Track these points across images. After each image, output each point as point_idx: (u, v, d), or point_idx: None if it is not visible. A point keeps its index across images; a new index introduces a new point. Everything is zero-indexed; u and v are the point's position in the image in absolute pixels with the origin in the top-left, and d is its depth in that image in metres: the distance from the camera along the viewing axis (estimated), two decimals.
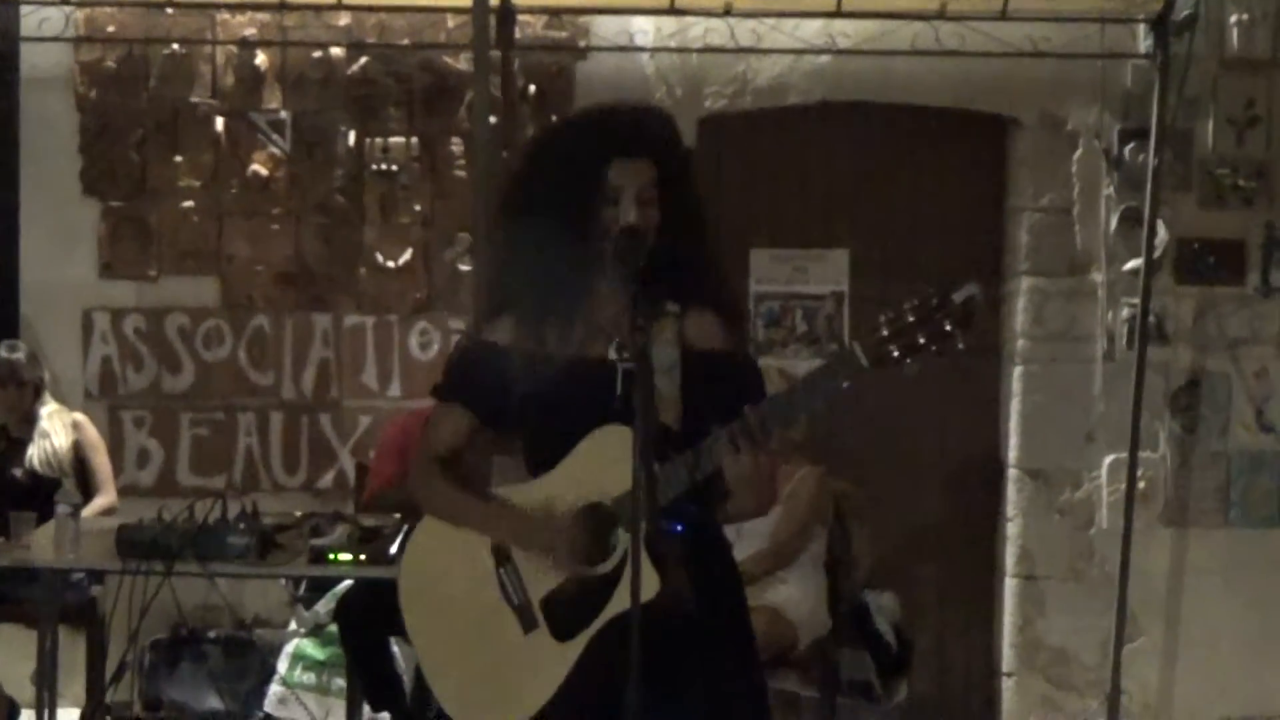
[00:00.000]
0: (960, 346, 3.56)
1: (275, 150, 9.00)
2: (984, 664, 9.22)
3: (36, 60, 8.92)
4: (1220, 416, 8.99)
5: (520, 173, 4.25)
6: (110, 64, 8.95)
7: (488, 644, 4.08)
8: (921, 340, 3.60)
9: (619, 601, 3.87)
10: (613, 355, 3.98)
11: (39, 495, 7.79)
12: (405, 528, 6.67)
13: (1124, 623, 8.65)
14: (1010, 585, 9.11)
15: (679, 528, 3.92)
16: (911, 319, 3.60)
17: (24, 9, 8.77)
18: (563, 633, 3.99)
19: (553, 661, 3.99)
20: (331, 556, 6.75)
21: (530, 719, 4.00)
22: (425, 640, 4.28)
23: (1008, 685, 9.12)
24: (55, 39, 8.81)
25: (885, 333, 3.61)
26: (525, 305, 4.09)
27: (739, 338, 4.13)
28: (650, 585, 3.76)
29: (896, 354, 3.61)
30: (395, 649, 7.58)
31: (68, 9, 8.75)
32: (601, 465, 3.92)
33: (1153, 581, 8.83)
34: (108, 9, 8.83)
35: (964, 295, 3.58)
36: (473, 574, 4.09)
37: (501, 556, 4.07)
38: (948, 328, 3.58)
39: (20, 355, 8.18)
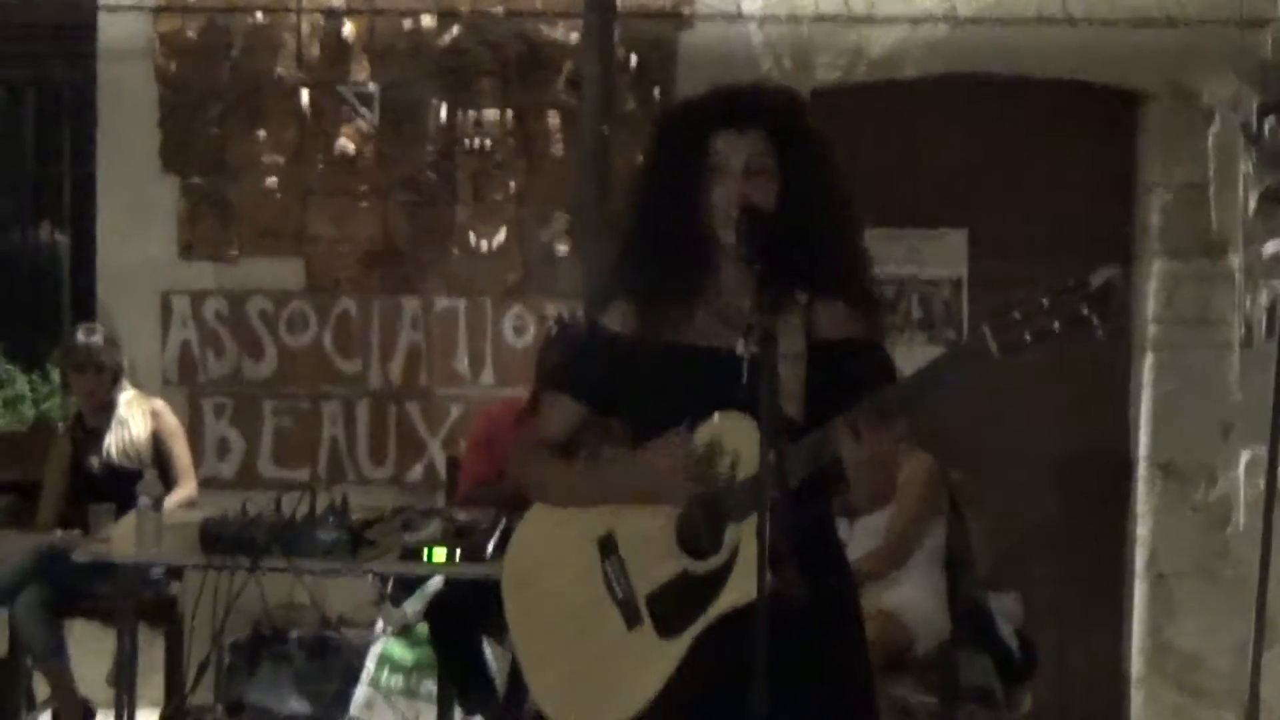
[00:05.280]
0: (1099, 334, 3.48)
1: (363, 124, 9.06)
2: (1111, 670, 9.20)
3: (114, 31, 9.02)
4: None
5: (646, 152, 4.27)
6: (191, 34, 9.02)
7: (589, 639, 4.11)
8: (1056, 326, 3.53)
9: (727, 598, 3.90)
10: (736, 343, 3.96)
11: (117, 487, 7.86)
12: (503, 524, 6.73)
13: (1263, 627, 8.55)
14: (1140, 587, 9.11)
15: (799, 522, 3.87)
16: (1045, 302, 3.53)
17: None
18: (668, 629, 3.99)
19: (657, 659, 4.00)
20: (426, 553, 6.81)
21: (631, 719, 4.02)
22: (524, 632, 4.31)
23: (1136, 693, 9.13)
24: (134, 8, 8.91)
25: (1017, 316, 3.55)
26: (640, 290, 4.10)
27: (873, 328, 4.09)
28: (762, 582, 3.70)
29: (1029, 339, 3.55)
30: (488, 650, 7.63)
31: None
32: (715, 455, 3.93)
33: None
34: None
35: (1103, 277, 3.49)
36: (576, 566, 4.12)
37: (607, 549, 4.10)
38: (1084, 312, 3.49)
39: (98, 339, 8.22)
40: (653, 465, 3.99)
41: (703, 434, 3.96)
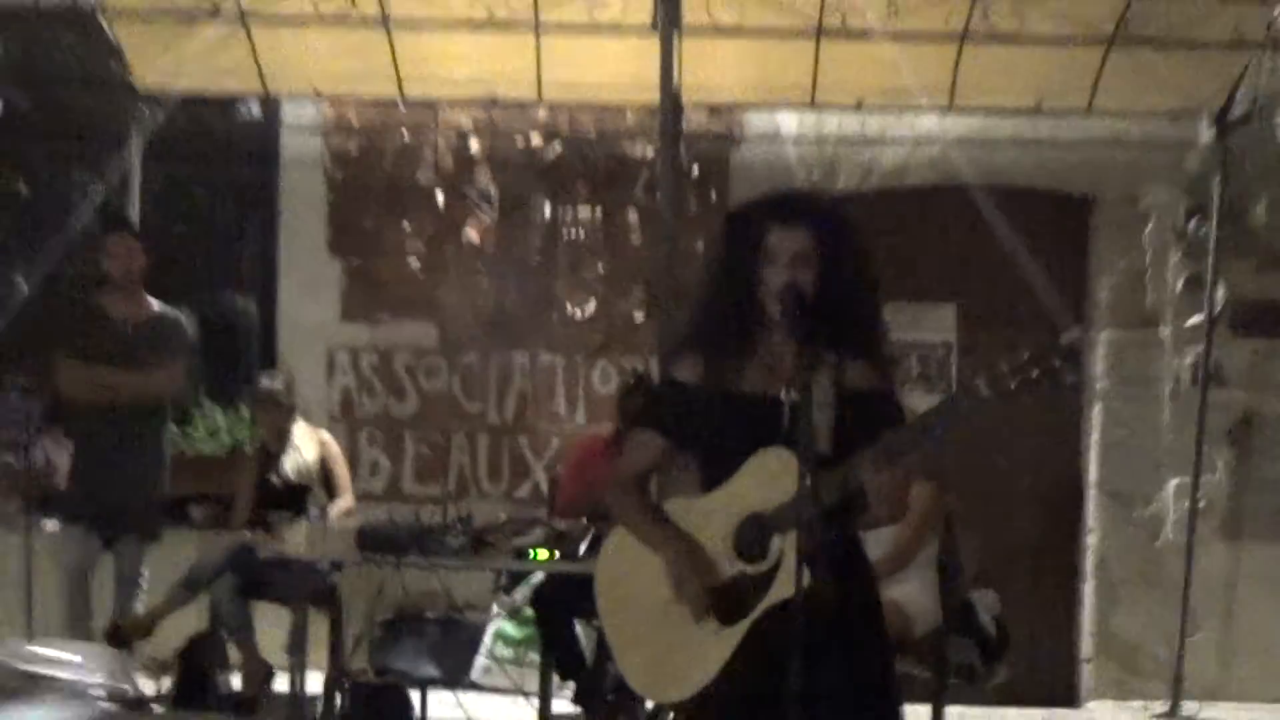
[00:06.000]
0: (1069, 381, 3.55)
1: (484, 219, 9.08)
2: (1068, 652, 9.12)
3: (294, 147, 9.10)
4: (1270, 447, 8.87)
5: (712, 241, 4.28)
6: (352, 150, 9.07)
7: (665, 629, 4.06)
8: (1035, 375, 3.58)
9: (775, 593, 3.87)
10: (780, 392, 3.94)
11: (292, 499, 7.91)
12: (591, 531, 6.72)
13: (1187, 619, 8.55)
14: (1090, 587, 9.05)
15: (830, 534, 3.88)
16: (1026, 356, 3.59)
17: (284, 105, 8.96)
18: (728, 619, 3.96)
19: (719, 645, 3.96)
20: (531, 554, 6.81)
21: (698, 692, 3.99)
22: (614, 624, 4.27)
23: (1087, 670, 9.07)
24: (309, 129, 9.00)
25: (1005, 369, 3.60)
26: (707, 349, 4.08)
27: (888, 381, 4.08)
28: (801, 581, 3.74)
29: (1014, 386, 3.59)
30: (579, 630, 7.60)
31: (319, 105, 8.92)
32: (763, 481, 3.91)
33: (1211, 585, 8.71)
34: (350, 104, 8.95)
35: (1071, 337, 3.64)
36: (655, 571, 4.08)
37: None
38: (1057, 364, 3.57)
39: (279, 384, 8.17)
40: (684, 566, 4.02)
41: (749, 466, 3.95)
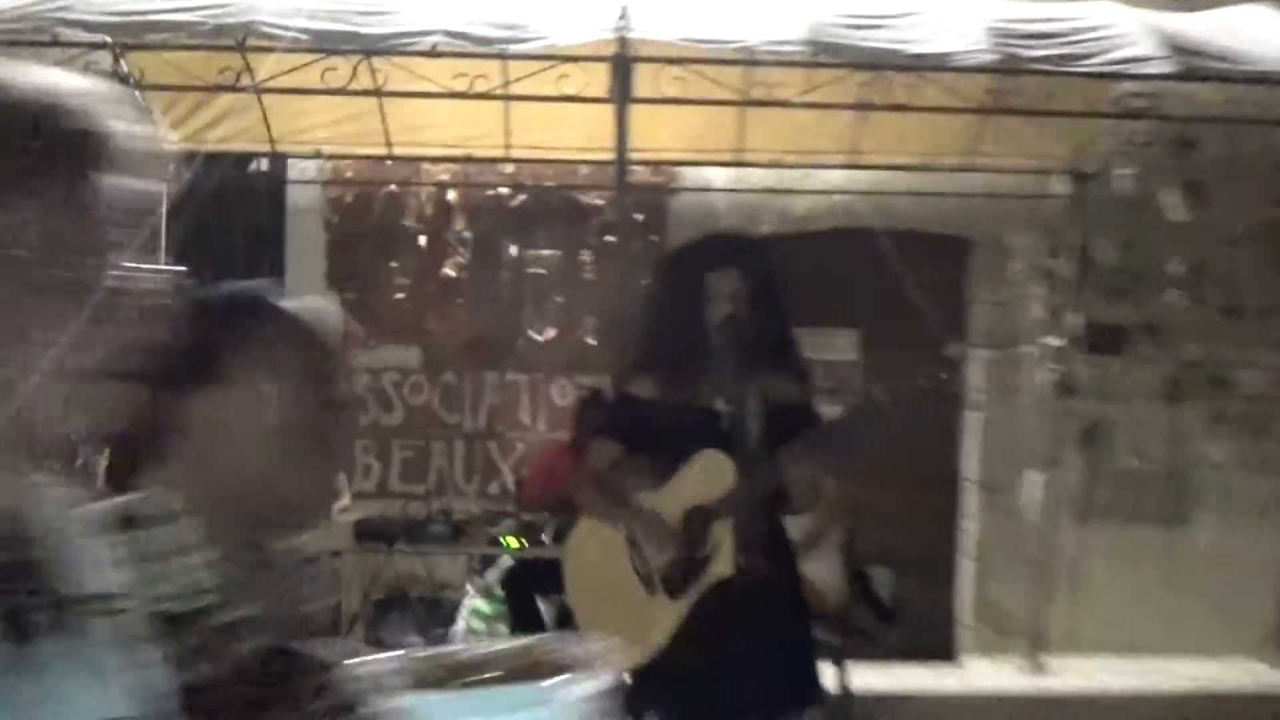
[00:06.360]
0: (951, 389, 3.70)
1: (461, 259, 9.02)
2: (949, 617, 9.15)
3: (298, 197, 9.03)
4: (1113, 447, 8.95)
5: (658, 277, 4.43)
6: (348, 199, 9.02)
7: (622, 603, 4.11)
8: (924, 383, 3.74)
9: (715, 571, 3.94)
10: (717, 404, 3.98)
11: None
12: (553, 522, 6.72)
13: (1046, 589, 8.62)
14: (966, 563, 9.14)
15: (760, 522, 3.98)
16: (916, 369, 3.76)
17: (290, 162, 8.90)
18: (675, 594, 4.01)
19: (668, 616, 4.02)
20: (503, 542, 6.81)
21: (651, 658, 4.03)
22: (579, 599, 4.31)
23: (965, 633, 9.12)
24: (311, 181, 8.94)
25: (900, 379, 3.75)
26: (656, 370, 4.15)
27: (806, 394, 4.16)
28: (737, 561, 3.88)
29: (907, 393, 3.73)
30: (541, 606, 7.58)
31: (320, 162, 8.86)
32: (704, 478, 3.97)
33: (1065, 559, 8.76)
34: (347, 160, 8.89)
35: (953, 352, 3.80)
36: (613, 555, 4.13)
37: (633, 542, 4.12)
38: (942, 375, 3.73)
39: None
40: (646, 535, 4.07)
41: (691, 467, 4.00)
